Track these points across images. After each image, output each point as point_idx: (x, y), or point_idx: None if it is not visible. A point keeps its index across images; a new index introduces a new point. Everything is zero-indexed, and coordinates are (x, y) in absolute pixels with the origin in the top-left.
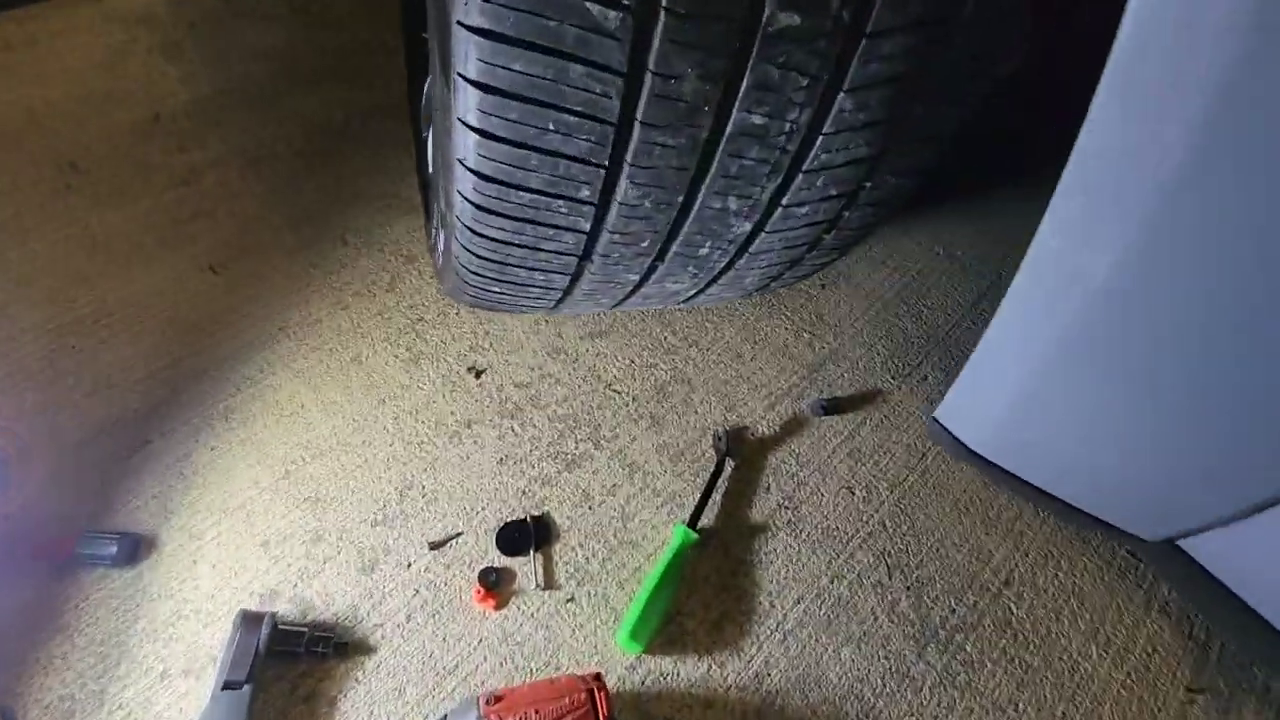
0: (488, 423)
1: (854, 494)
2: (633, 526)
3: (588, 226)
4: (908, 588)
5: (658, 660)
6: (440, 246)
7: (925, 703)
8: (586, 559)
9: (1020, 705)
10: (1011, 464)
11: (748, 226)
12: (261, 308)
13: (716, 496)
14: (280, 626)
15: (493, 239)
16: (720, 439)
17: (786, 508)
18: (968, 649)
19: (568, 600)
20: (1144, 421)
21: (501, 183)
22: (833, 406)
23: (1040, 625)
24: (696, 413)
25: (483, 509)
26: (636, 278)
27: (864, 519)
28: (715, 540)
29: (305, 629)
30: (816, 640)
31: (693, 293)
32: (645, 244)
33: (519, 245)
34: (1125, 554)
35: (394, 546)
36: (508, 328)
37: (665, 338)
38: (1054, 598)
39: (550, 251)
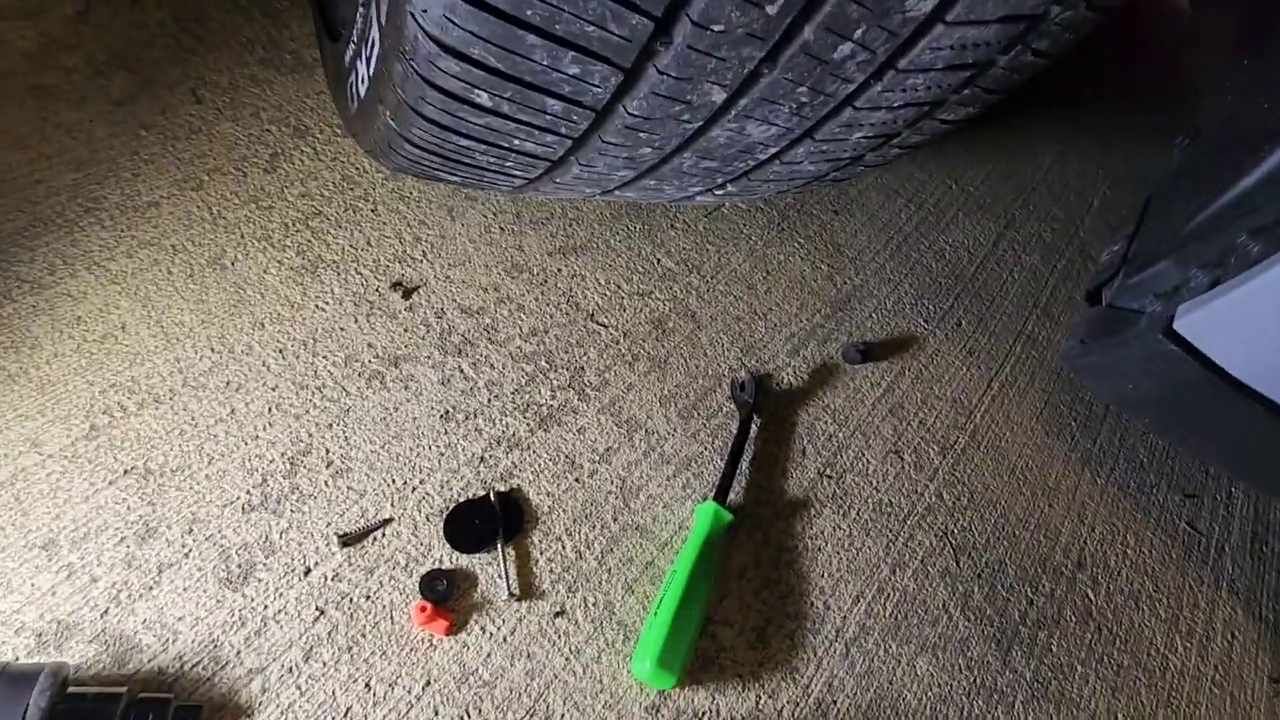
0: (424, 360)
1: (903, 459)
2: (638, 505)
3: (604, 89)
4: (979, 575)
5: (690, 695)
6: (361, 78)
7: None
8: (578, 553)
9: (1119, 716)
10: None
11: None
12: (58, 176)
13: (744, 463)
14: (74, 690)
15: (462, 78)
16: (743, 388)
17: (829, 477)
18: (1054, 650)
19: (556, 614)
20: None
21: None
22: (868, 353)
23: (1122, 615)
24: (706, 355)
25: (421, 484)
26: (651, 158)
27: (918, 491)
28: (748, 522)
29: (122, 690)
30: (886, 650)
31: (698, 190)
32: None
33: (510, 80)
34: (1185, 526)
35: (280, 543)
36: (447, 233)
37: (659, 259)
38: (1129, 580)
39: (553, 97)
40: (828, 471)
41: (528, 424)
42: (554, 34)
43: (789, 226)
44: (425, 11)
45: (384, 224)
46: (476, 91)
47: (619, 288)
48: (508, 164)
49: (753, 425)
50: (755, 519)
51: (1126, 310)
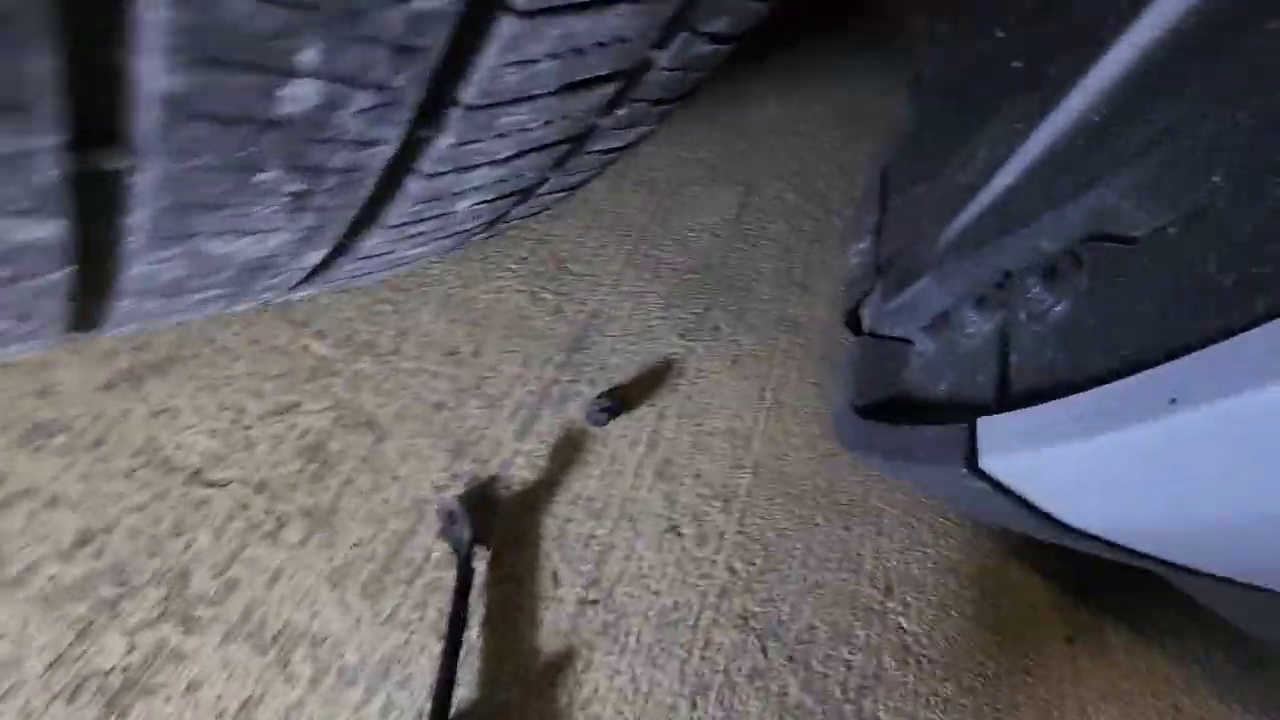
0: None
1: (682, 536)
2: None
3: None
4: (790, 659)
5: None
6: None
7: None
8: None
9: None
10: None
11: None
12: None
13: (471, 632)
14: None
15: None
16: (452, 518)
17: (593, 603)
18: (866, 714)
19: None
20: None
21: None
22: (617, 405)
23: (935, 635)
24: (397, 478)
25: None
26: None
27: (705, 573)
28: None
29: None
30: None
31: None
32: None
33: None
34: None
35: None
36: None
37: (305, 346)
38: (934, 590)
39: None
40: (591, 595)
41: (95, 710)
42: None
43: (495, 250)
44: None
45: None
46: None
47: (241, 412)
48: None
49: (474, 568)
50: (502, 709)
51: (894, 339)
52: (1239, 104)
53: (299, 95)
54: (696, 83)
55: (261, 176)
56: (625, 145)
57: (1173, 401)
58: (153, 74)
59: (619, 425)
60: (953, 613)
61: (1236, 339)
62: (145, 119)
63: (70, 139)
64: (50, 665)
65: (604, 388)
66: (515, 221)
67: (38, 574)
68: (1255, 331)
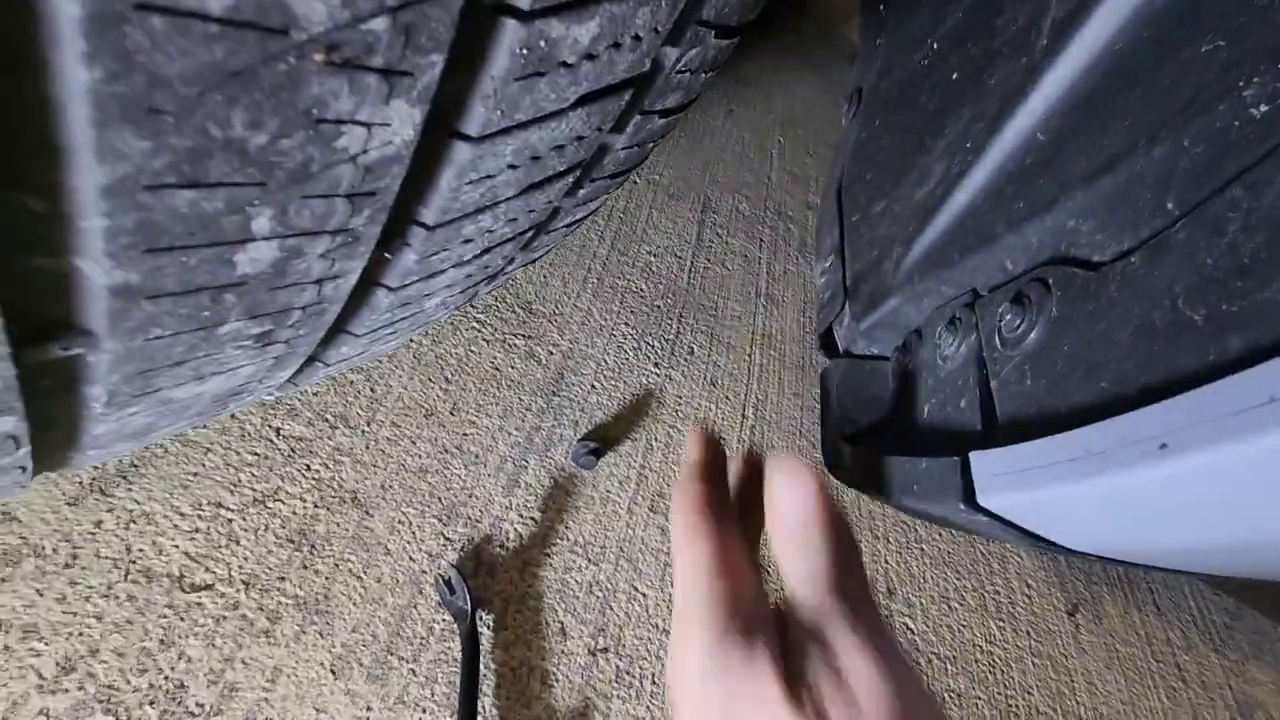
0: None
1: None
2: None
3: None
4: None
5: None
6: None
7: None
8: None
9: None
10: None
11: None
12: None
13: (485, 700)
14: None
15: None
16: (450, 586)
17: (603, 651)
18: None
19: None
20: None
21: None
22: (602, 445)
23: (941, 629)
24: (389, 553)
25: None
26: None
27: None
28: None
29: None
30: None
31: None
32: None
33: None
34: None
35: None
36: None
37: (277, 430)
38: (935, 584)
39: None
40: (600, 643)
41: None
42: None
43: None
44: None
45: None
46: None
47: (219, 507)
48: None
49: (480, 634)
50: None
51: (871, 358)
52: (1182, 128)
53: (256, 257)
54: (651, 150)
55: (224, 329)
56: (588, 215)
57: (1163, 446)
58: (102, 270)
59: (606, 464)
60: (955, 605)
61: (1220, 385)
62: (97, 309)
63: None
64: None
65: (587, 428)
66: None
67: (23, 710)
68: (1238, 378)
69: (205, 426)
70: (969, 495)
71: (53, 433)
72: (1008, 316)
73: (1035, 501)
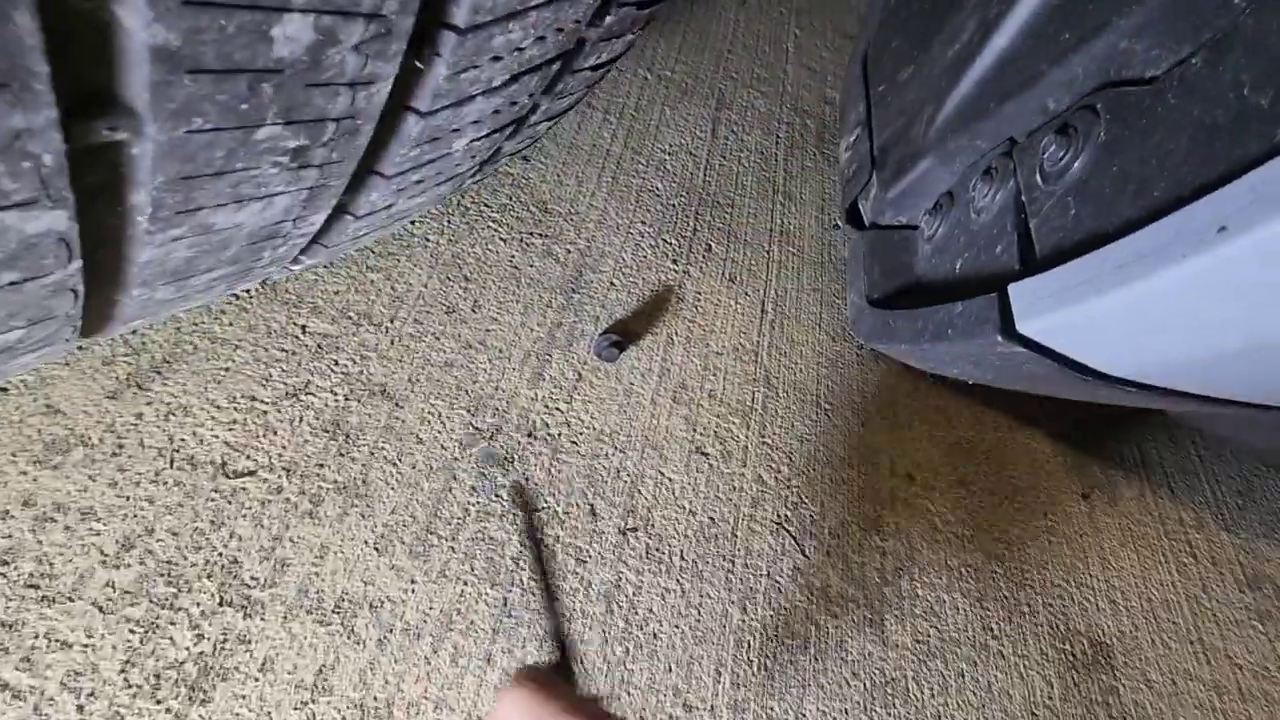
0: None
1: (708, 455)
2: None
3: None
4: (827, 554)
5: None
6: None
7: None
8: None
9: (992, 621)
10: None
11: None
12: None
13: (523, 574)
14: None
15: None
16: (488, 476)
17: (633, 530)
18: (921, 594)
19: None
20: None
21: None
22: (624, 339)
23: (961, 512)
24: (421, 441)
25: None
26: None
27: (736, 486)
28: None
29: None
30: (770, 714)
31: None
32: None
33: None
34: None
35: None
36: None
37: (304, 327)
38: (953, 470)
39: None
40: (630, 524)
41: (164, 707)
42: None
43: (474, 203)
44: None
45: None
46: None
47: (253, 400)
48: None
49: (516, 513)
50: (567, 643)
51: (900, 227)
52: None
53: (292, 34)
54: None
55: (261, 134)
56: (612, 60)
57: (1222, 229)
58: (140, 22)
59: (629, 358)
60: (973, 488)
61: None
62: (139, 78)
63: (66, 110)
64: (125, 665)
65: (608, 323)
66: (502, 162)
67: (90, 583)
68: None
69: (231, 323)
70: (1008, 325)
71: (101, 254)
72: (1051, 148)
73: (1077, 321)
